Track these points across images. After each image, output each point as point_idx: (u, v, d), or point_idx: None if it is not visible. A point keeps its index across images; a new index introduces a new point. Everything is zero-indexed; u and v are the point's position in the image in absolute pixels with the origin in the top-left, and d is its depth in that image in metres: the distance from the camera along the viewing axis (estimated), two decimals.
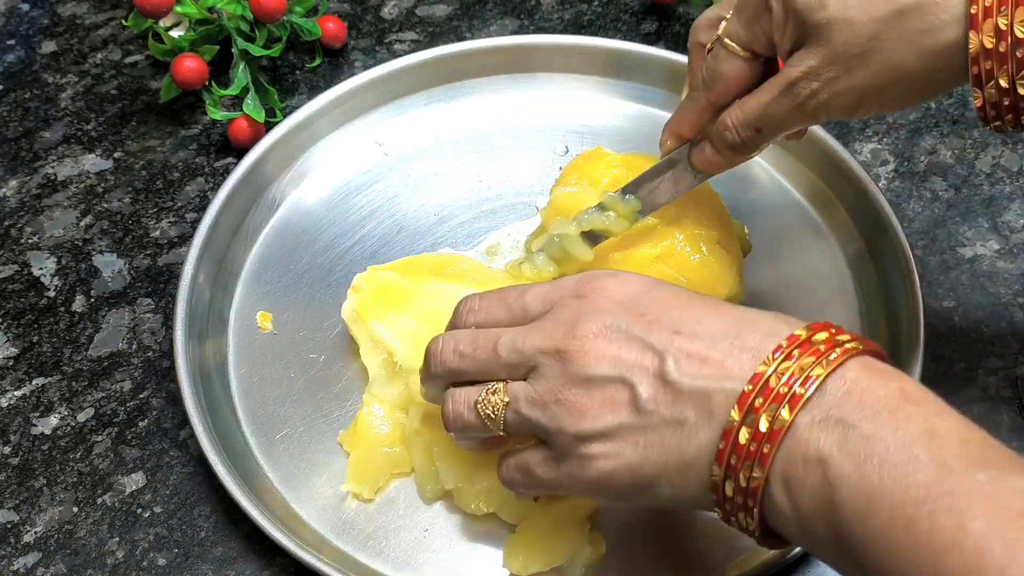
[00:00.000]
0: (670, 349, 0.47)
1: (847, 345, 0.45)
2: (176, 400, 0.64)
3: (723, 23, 0.56)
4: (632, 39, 0.84)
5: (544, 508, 0.60)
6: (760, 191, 0.75)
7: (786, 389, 0.43)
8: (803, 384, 0.43)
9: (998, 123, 0.51)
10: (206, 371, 0.65)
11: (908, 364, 0.63)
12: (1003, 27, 0.47)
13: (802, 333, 0.45)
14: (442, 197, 0.75)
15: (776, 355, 0.44)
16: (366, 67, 0.81)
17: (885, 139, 0.79)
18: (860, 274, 0.71)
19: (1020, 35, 0.47)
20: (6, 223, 0.75)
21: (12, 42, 0.87)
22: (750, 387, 0.44)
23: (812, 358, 0.44)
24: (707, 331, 0.47)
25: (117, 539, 0.61)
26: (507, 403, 0.51)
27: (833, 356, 0.44)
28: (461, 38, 0.86)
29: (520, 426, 0.51)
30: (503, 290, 0.55)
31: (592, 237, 0.64)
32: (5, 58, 0.86)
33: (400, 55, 0.81)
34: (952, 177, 0.77)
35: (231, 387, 0.66)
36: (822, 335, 0.45)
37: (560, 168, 0.72)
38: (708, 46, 0.57)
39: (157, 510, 0.62)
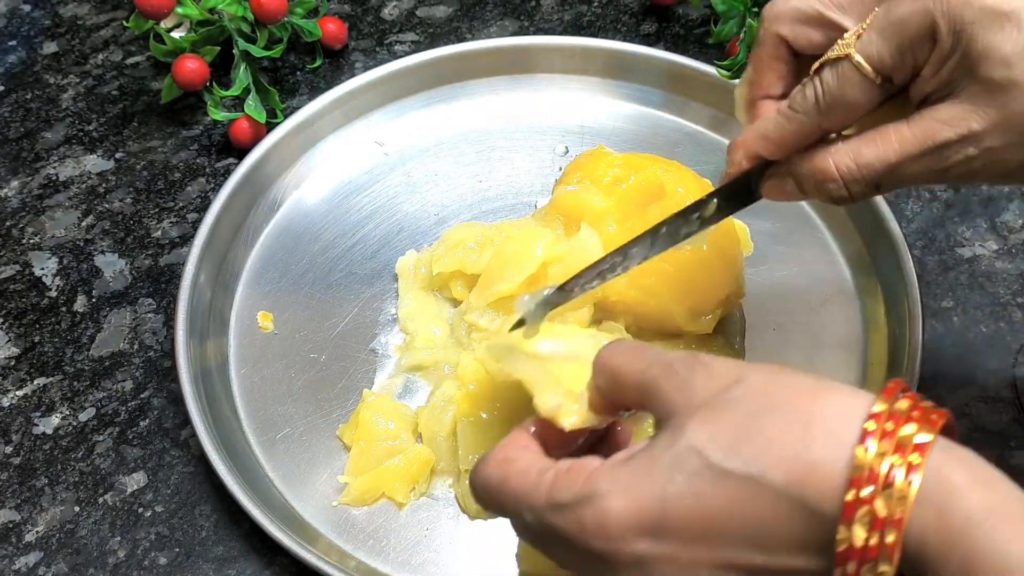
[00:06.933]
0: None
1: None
2: (177, 400, 0.64)
3: (847, 35, 0.46)
4: (632, 40, 0.84)
5: None
6: None
7: None
8: None
9: None
10: (207, 371, 0.65)
11: (908, 365, 0.63)
12: None
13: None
14: (442, 197, 0.75)
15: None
16: (366, 68, 0.81)
17: None
18: (859, 274, 0.71)
19: None
20: (8, 223, 0.76)
21: (13, 43, 0.87)
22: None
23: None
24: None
25: (118, 538, 0.61)
26: None
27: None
28: (461, 39, 0.86)
29: None
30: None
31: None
32: (7, 59, 0.86)
33: (400, 56, 0.81)
34: None
35: (232, 387, 0.66)
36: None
37: (560, 168, 0.72)
38: (821, 62, 0.47)
39: (158, 509, 0.62)
